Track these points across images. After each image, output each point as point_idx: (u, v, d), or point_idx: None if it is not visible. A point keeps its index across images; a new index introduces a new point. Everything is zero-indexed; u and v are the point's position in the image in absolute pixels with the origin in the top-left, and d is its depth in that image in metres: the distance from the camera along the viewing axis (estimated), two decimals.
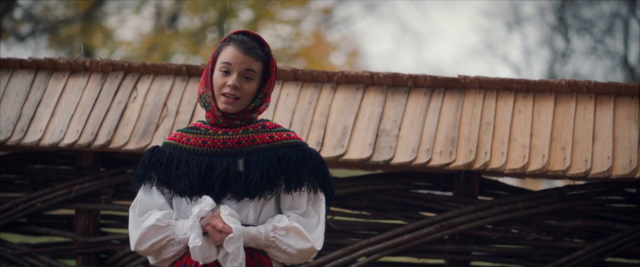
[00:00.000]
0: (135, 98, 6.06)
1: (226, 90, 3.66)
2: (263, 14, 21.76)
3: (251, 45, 3.69)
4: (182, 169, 3.69)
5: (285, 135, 3.74)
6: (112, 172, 6.12)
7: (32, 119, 6.02)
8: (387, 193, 5.98)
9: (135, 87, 6.11)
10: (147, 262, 6.12)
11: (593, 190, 5.91)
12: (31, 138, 5.94)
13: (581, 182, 5.99)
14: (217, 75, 3.69)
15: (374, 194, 5.99)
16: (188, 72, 6.12)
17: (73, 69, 6.21)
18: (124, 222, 6.27)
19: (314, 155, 3.73)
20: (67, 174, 6.21)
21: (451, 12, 34.98)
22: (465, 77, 5.93)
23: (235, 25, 22.30)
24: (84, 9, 20.60)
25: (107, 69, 6.19)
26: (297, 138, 3.75)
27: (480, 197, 5.97)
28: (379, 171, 6.23)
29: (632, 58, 24.44)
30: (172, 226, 3.67)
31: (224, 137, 3.70)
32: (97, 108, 6.03)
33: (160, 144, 5.74)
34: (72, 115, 6.00)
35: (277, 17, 22.05)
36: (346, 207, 6.03)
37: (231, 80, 3.66)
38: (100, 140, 5.90)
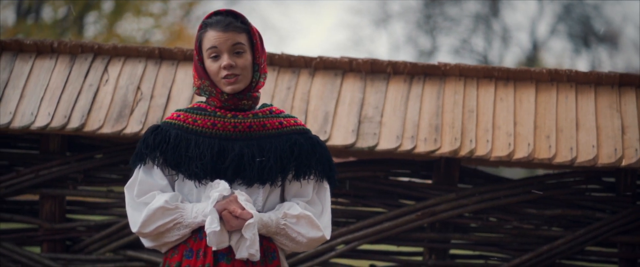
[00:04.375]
0: (107, 81, 5.89)
1: (223, 73, 3.56)
2: (126, 7, 21.58)
3: (228, 21, 3.59)
4: (192, 151, 3.57)
5: (292, 121, 3.68)
6: (80, 157, 5.95)
7: None
8: (367, 180, 5.92)
9: (106, 69, 5.95)
10: (114, 250, 5.98)
11: (572, 179, 5.92)
12: (0, 120, 5.73)
13: (558, 171, 6.01)
14: (208, 63, 3.60)
15: (354, 181, 5.92)
16: (160, 55, 5.98)
17: (40, 50, 6.02)
18: (90, 208, 6.11)
19: (320, 143, 3.69)
20: (32, 159, 6.02)
21: (316, 9, 35.22)
22: (445, 65, 5.90)
23: (97, 17, 22.14)
24: None
25: (76, 51, 6.01)
26: (303, 125, 3.70)
27: (460, 185, 5.94)
28: (352, 158, 6.16)
29: (493, 57, 25.06)
30: (180, 208, 3.55)
31: (235, 120, 3.61)
32: (67, 91, 5.85)
33: (138, 127, 5.59)
34: (42, 98, 5.81)
35: (142, 10, 21.90)
36: None
37: (224, 61, 3.56)
38: (74, 123, 5.72)
